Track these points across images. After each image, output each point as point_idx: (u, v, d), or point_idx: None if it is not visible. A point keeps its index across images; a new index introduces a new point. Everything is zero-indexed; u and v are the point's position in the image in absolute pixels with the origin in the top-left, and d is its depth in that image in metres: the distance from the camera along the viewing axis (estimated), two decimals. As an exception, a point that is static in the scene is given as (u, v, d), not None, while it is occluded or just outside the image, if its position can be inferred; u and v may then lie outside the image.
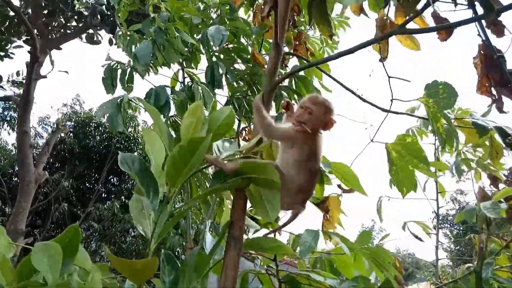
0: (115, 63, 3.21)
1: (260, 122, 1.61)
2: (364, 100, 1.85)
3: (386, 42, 1.78)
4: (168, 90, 3.23)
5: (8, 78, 8.13)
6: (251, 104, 3.25)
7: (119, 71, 3.17)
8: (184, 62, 3.49)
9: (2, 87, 8.38)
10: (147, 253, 1.25)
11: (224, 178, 1.47)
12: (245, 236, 1.59)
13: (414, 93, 1.84)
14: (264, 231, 1.73)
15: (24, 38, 7.60)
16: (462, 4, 1.38)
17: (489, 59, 1.29)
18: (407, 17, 1.70)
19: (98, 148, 13.13)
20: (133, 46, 3.26)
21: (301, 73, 3.39)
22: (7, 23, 7.12)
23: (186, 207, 1.77)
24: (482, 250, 1.17)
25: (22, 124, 6.87)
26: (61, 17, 7.85)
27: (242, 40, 3.55)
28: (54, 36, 7.96)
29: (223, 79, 3.40)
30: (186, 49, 3.30)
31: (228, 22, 3.46)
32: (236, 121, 3.49)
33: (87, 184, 13.77)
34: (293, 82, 3.42)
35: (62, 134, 13.10)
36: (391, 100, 1.81)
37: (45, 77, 7.11)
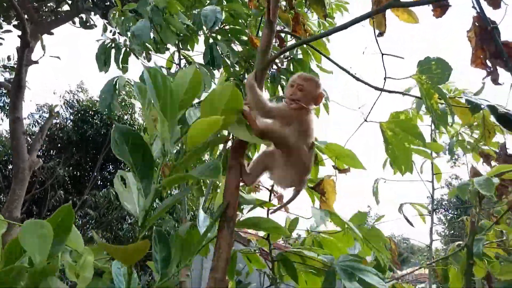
0: (109, 42, 3.14)
1: (254, 101, 1.60)
2: (357, 79, 1.83)
3: (383, 16, 1.75)
4: (164, 72, 3.18)
5: (-1, 63, 8.00)
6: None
7: (113, 50, 3.10)
8: (180, 43, 3.43)
9: (-6, 72, 8.25)
10: (137, 237, 1.23)
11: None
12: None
13: (411, 71, 1.82)
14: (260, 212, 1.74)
15: (14, 22, 7.44)
16: (457, -23, 1.35)
17: (483, 30, 1.27)
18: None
19: (95, 136, 13.05)
20: (128, 25, 3.18)
21: (299, 55, 3.35)
22: (-4, 7, 6.98)
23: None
24: (473, 224, 1.17)
25: (14, 110, 6.78)
26: (51, 1, 7.69)
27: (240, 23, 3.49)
28: (44, 20, 7.81)
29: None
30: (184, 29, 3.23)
31: (226, 3, 3.38)
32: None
33: (83, 172, 13.72)
34: (291, 66, 3.38)
35: (58, 120, 13.00)
36: (385, 79, 1.79)
37: (36, 62, 6.99)
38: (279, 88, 3.31)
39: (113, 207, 12.27)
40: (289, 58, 3.29)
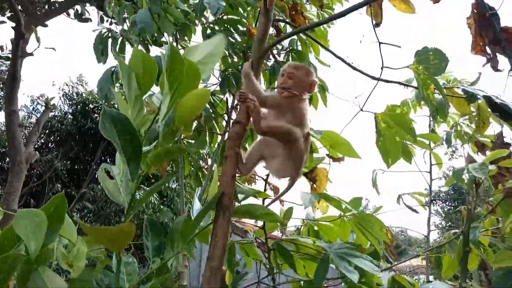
0: (106, 31, 3.10)
1: (250, 89, 1.59)
2: (354, 68, 1.82)
3: (379, 7, 1.73)
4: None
5: (-8, 54, 7.90)
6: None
7: (110, 40, 3.06)
8: (177, 33, 3.39)
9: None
10: (124, 221, 1.23)
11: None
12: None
13: (409, 61, 1.81)
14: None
15: (8, 14, 7.35)
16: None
17: (482, 17, 1.26)
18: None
19: (94, 129, 12.99)
20: (125, 14, 3.14)
21: (299, 47, 3.33)
22: (-11, -1, 6.89)
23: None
24: (470, 212, 1.17)
25: (10, 103, 6.73)
26: (45, -8, 7.61)
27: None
28: (39, 11, 7.70)
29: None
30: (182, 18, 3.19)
31: (224, -8, 3.34)
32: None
33: (82, 165, 13.69)
34: (290, 57, 3.36)
35: (57, 113, 12.92)
36: (382, 68, 1.78)
37: (31, 54, 6.92)
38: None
39: (111, 200, 12.24)
40: (288, 50, 3.27)
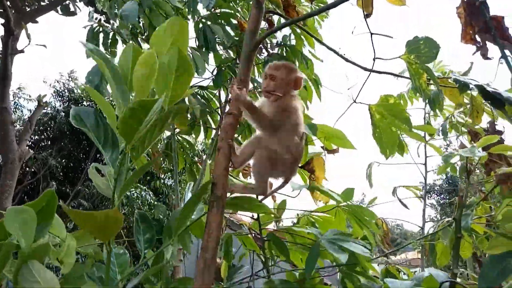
0: (97, 26, 3.06)
1: (259, 120, 1.53)
2: (346, 60, 1.81)
3: (370, -2, 1.72)
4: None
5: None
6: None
7: (102, 35, 3.03)
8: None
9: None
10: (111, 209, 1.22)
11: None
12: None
13: (401, 51, 1.80)
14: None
15: (-3, 11, 7.26)
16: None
17: (471, 6, 1.25)
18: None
19: (88, 127, 12.90)
20: (116, 7, 3.10)
21: (292, 41, 3.31)
22: (-23, -5, 6.78)
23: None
24: (461, 198, 1.18)
25: (1, 100, 6.66)
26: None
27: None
28: (29, 7, 7.60)
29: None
30: (173, 12, 3.16)
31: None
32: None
33: (76, 163, 13.61)
34: (284, 51, 3.35)
35: (49, 110, 12.79)
36: (374, 59, 1.77)
37: (22, 51, 6.84)
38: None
39: (108, 198, 12.18)
40: (282, 44, 3.25)
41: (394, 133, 1.85)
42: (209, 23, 3.34)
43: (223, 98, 3.40)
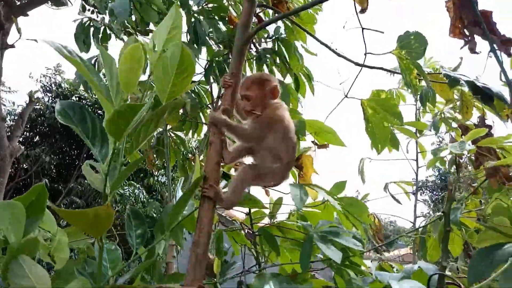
0: (87, 20, 3.03)
1: (238, 134, 1.52)
2: (338, 54, 1.81)
3: (366, -7, 1.72)
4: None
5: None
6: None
7: (92, 29, 2.99)
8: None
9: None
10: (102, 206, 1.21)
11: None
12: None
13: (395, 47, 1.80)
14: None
15: (-13, 5, 7.14)
16: None
17: (461, 0, 1.26)
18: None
19: (79, 122, 12.74)
20: (107, 2, 3.06)
21: (284, 35, 3.30)
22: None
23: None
24: (451, 192, 1.19)
25: (-8, 96, 6.59)
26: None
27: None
28: (18, 2, 7.50)
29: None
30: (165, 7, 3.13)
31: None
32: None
33: (69, 159, 13.48)
34: (276, 46, 3.34)
35: (38, 106, 12.63)
36: (365, 54, 1.78)
37: (12, 46, 6.75)
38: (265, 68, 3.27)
39: (100, 195, 12.10)
40: (274, 38, 3.24)
41: (386, 128, 1.86)
42: (201, 18, 3.33)
43: (215, 94, 3.39)
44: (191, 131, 3.39)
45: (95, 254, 1.47)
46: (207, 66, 3.28)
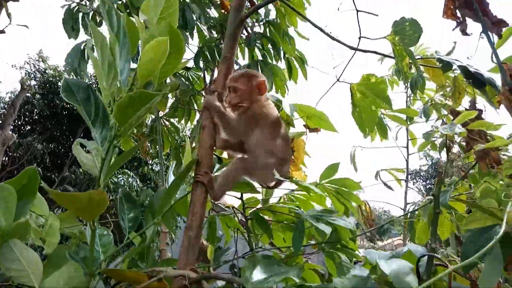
0: (75, 5, 2.97)
1: (228, 124, 1.52)
2: (332, 38, 1.80)
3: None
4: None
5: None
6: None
7: (81, 14, 2.94)
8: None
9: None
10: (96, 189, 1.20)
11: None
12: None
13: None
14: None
15: (-25, -11, 6.96)
16: None
17: (454, -20, 1.25)
18: None
19: (70, 109, 12.59)
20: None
21: (276, 20, 3.27)
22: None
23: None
24: (440, 175, 1.20)
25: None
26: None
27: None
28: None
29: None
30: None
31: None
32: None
33: (62, 147, 13.36)
34: (267, 30, 3.31)
35: (28, 95, 12.44)
36: (359, 38, 1.77)
37: (3, 32, 6.61)
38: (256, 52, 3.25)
39: (94, 183, 12.06)
40: (264, 21, 3.21)
41: (374, 112, 1.86)
42: (190, 1, 3.28)
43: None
44: (184, 118, 3.37)
45: (87, 240, 1.46)
46: (198, 52, 3.25)
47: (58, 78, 12.66)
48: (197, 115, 3.38)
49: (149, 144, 3.65)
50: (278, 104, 1.74)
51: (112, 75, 1.32)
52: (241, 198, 1.67)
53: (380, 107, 1.79)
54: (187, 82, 3.21)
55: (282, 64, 3.26)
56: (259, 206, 1.87)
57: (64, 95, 1.15)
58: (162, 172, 3.53)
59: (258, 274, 1.03)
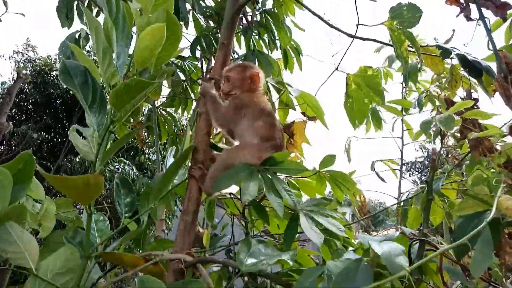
0: (70, -6, 2.93)
1: (220, 113, 1.52)
2: (330, 26, 1.80)
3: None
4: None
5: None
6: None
7: (76, 2, 2.90)
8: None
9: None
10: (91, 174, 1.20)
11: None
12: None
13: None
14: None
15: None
16: None
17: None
18: None
19: (64, 98, 12.51)
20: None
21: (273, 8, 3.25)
22: None
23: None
24: (434, 161, 1.21)
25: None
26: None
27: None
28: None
29: (190, 16, 3.21)
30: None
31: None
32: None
33: (58, 136, 13.28)
34: (264, 19, 3.29)
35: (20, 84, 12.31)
36: (357, 25, 1.77)
37: (-2, 19, 6.53)
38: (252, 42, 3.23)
39: (89, 172, 12.00)
40: (261, 10, 3.19)
41: (366, 105, 1.88)
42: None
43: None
44: (181, 108, 3.37)
45: (84, 225, 1.47)
46: (194, 41, 3.22)
47: (50, 68, 12.52)
48: (194, 104, 3.37)
49: (145, 134, 3.64)
50: (280, 86, 1.75)
51: (107, 61, 1.32)
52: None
53: (373, 100, 1.80)
54: (180, 72, 3.20)
55: (277, 54, 3.26)
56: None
57: (61, 78, 1.14)
58: (159, 161, 3.53)
59: (252, 257, 1.04)
